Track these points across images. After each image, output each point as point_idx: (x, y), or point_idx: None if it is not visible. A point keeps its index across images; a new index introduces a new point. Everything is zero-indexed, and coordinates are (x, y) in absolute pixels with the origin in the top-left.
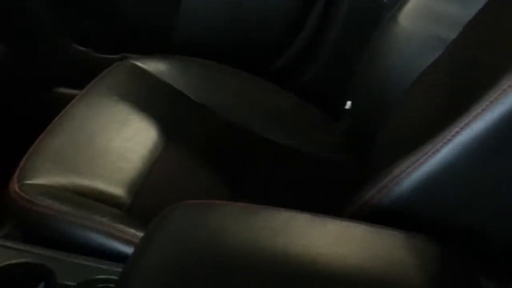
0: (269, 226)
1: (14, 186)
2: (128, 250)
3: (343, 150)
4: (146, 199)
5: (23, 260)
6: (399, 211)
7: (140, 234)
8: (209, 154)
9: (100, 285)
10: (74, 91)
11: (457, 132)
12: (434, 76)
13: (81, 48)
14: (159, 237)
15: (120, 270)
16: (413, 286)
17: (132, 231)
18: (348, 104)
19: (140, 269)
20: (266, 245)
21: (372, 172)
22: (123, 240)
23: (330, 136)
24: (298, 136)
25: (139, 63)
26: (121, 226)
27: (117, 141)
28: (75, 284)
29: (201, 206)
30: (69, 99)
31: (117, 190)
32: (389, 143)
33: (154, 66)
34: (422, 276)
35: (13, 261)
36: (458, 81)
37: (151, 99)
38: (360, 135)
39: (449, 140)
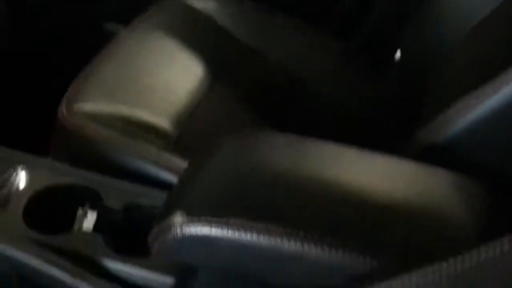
0: (317, 157)
1: (63, 111)
2: (173, 179)
3: (388, 103)
4: (191, 134)
5: (70, 181)
6: (451, 152)
7: (186, 165)
8: (253, 96)
9: (144, 210)
10: (123, 26)
11: None
12: (493, 23)
13: None
14: (208, 163)
15: (164, 196)
16: (457, 224)
17: (178, 161)
18: (398, 53)
19: (188, 192)
20: (313, 175)
21: (425, 115)
22: (169, 169)
23: (376, 87)
24: (345, 87)
25: (187, 1)
26: (167, 156)
27: (164, 75)
28: (119, 206)
29: (250, 137)
30: (118, 33)
31: (164, 122)
32: (444, 87)
33: (203, 4)
34: (468, 215)
35: (61, 182)
36: None
37: (199, 37)
38: (410, 84)
39: (508, 83)
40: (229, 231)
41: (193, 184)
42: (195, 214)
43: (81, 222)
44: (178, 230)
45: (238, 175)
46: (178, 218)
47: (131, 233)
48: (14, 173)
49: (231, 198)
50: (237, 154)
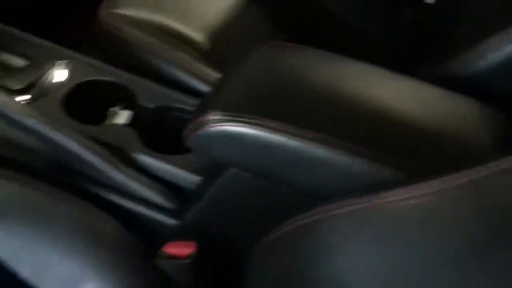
0: (348, 72)
1: (103, 13)
2: (203, 88)
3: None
4: (223, 48)
5: (106, 78)
6: (478, 84)
7: (218, 75)
8: (285, 22)
9: (175, 112)
10: None
11: None
12: None
13: None
14: (244, 70)
15: (196, 103)
16: (478, 147)
17: (209, 71)
18: None
19: (224, 94)
20: (344, 87)
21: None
22: (201, 78)
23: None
24: (372, 18)
25: None
26: (200, 66)
27: None
28: (152, 106)
29: (286, 47)
30: None
31: (198, 35)
32: (476, 22)
33: None
34: (490, 141)
35: (98, 78)
36: None
37: None
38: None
39: None
40: (262, 132)
41: (229, 88)
42: (230, 113)
43: (115, 117)
44: (213, 127)
45: (273, 81)
46: (214, 116)
47: (162, 132)
48: (57, 66)
49: (265, 101)
50: (272, 62)
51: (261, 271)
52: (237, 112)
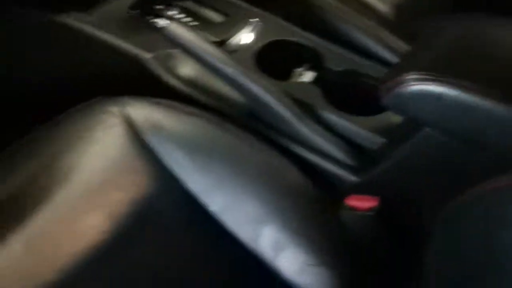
0: None
1: None
2: (391, 56)
3: None
4: (409, 19)
5: (295, 39)
6: None
7: (405, 46)
8: None
9: (360, 76)
10: None
11: None
12: None
13: None
14: (439, 37)
15: (381, 69)
16: None
17: (395, 40)
18: None
19: (419, 58)
20: None
21: None
22: (389, 47)
23: None
24: None
25: None
26: (388, 34)
27: None
28: (338, 69)
29: (478, 17)
30: None
31: (385, 5)
32: None
33: None
34: None
35: (287, 38)
36: None
37: None
38: None
39: None
40: (463, 93)
41: (423, 52)
42: (432, 73)
43: (300, 77)
44: (414, 85)
45: (466, 46)
46: (411, 76)
47: (346, 94)
48: (251, 24)
49: (458, 64)
50: (465, 31)
51: (447, 235)
52: (433, 72)
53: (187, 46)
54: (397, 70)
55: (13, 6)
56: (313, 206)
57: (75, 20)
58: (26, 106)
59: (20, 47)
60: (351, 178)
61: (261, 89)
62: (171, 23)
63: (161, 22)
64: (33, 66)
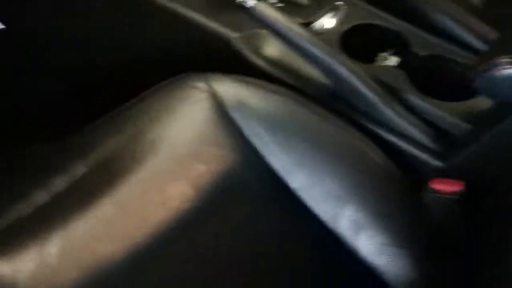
0: None
1: None
2: (477, 43)
3: None
4: (497, 7)
5: (381, 23)
6: None
7: (493, 33)
8: None
9: (447, 62)
10: None
11: None
12: None
13: None
14: None
15: (470, 56)
16: None
17: (482, 26)
18: None
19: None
20: None
21: None
22: (476, 33)
23: None
24: None
25: None
26: (475, 20)
27: None
28: (424, 54)
29: None
30: None
31: None
32: None
33: None
34: None
35: (373, 22)
36: None
37: None
38: None
39: None
40: None
41: None
42: None
43: (385, 61)
44: (504, 69)
45: None
46: (505, 59)
47: (432, 78)
48: (336, 6)
49: None
50: None
51: None
52: None
53: (274, 26)
54: (489, 54)
55: None
56: (395, 188)
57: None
58: (116, 82)
59: (109, 23)
60: (435, 162)
61: (347, 71)
62: (258, 3)
63: (249, 2)
64: (121, 42)
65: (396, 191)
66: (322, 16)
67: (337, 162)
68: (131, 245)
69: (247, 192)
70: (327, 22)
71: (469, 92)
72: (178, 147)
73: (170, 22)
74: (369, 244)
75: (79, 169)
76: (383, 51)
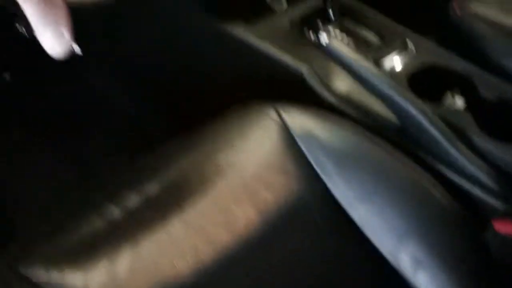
0: None
1: (457, 6)
2: None
3: None
4: None
5: (448, 63)
6: None
7: None
8: None
9: None
10: None
11: None
12: None
13: None
14: None
15: None
16: None
17: None
18: None
19: None
20: None
21: None
22: None
23: None
24: None
25: None
26: None
27: None
28: (490, 97)
29: None
30: None
31: None
32: None
33: None
34: None
35: (440, 62)
36: None
37: None
38: None
39: None
40: None
41: None
42: None
43: (452, 101)
44: None
45: None
46: None
47: (499, 121)
48: (404, 46)
49: None
50: None
51: None
52: None
53: (345, 62)
54: None
55: (182, 9)
56: (457, 226)
57: (239, 30)
58: (189, 105)
59: (190, 49)
60: (499, 203)
61: (415, 109)
62: (331, 39)
63: (320, 37)
64: (198, 68)
65: (458, 230)
66: (390, 53)
67: (400, 198)
68: (197, 264)
69: (311, 221)
70: (395, 60)
71: None
72: (246, 173)
73: (244, 52)
74: (429, 282)
75: (152, 187)
76: (450, 90)
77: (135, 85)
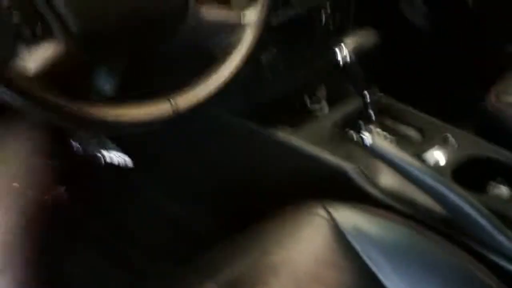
0: None
1: (493, 99)
2: None
3: None
4: None
5: (489, 154)
6: None
7: None
8: None
9: None
10: None
11: None
12: None
13: None
14: None
15: None
16: None
17: None
18: None
19: None
20: None
21: None
22: None
23: None
24: None
25: None
26: None
27: None
28: None
29: None
30: None
31: None
32: None
33: None
34: None
35: (480, 153)
36: None
37: None
38: None
39: None
40: None
41: None
42: None
43: (495, 190)
44: None
45: None
46: None
47: None
48: (444, 140)
49: None
50: None
51: None
52: None
53: (390, 159)
54: None
55: (224, 114)
56: None
57: (285, 135)
58: (241, 204)
59: (241, 152)
60: None
61: (462, 200)
62: (374, 138)
63: (363, 137)
64: (250, 170)
65: None
66: (431, 148)
67: (452, 286)
68: None
69: None
70: (438, 154)
71: None
72: (299, 270)
73: (290, 154)
74: None
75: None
76: (494, 180)
77: (184, 191)
